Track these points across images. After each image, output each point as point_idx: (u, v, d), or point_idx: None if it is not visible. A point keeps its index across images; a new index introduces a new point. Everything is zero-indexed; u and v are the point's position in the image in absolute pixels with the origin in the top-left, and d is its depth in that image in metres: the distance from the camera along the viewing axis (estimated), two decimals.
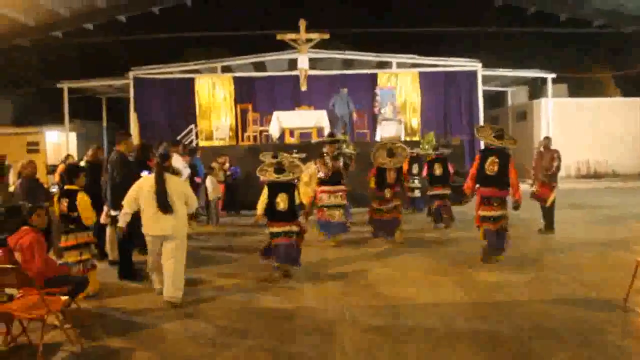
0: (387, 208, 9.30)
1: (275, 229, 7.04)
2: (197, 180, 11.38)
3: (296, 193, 7.18)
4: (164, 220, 5.85)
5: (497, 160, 7.47)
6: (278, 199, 7.03)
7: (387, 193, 9.21)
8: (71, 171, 6.54)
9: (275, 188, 7.09)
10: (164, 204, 5.81)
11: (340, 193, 9.23)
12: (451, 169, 11.42)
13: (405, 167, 12.43)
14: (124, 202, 6.02)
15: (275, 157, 9.72)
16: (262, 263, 7.37)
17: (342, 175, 9.30)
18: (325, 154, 9.35)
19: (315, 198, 9.51)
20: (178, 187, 6.11)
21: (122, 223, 6.08)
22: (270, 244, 7.11)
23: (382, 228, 9.49)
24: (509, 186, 7.53)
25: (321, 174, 9.27)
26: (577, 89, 23.75)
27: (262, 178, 7.34)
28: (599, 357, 4.36)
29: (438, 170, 11.10)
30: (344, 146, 13.52)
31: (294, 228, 7.11)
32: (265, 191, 7.15)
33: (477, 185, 7.71)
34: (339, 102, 17.23)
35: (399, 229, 9.34)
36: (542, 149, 10.29)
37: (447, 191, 11.09)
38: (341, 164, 9.33)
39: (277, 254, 7.00)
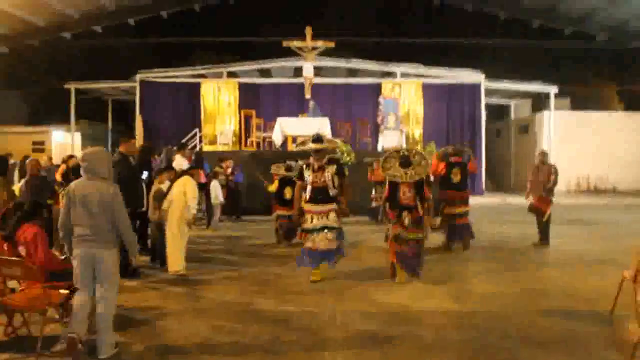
0: (407, 237, 7.10)
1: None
2: (202, 180, 11.48)
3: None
4: None
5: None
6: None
7: (405, 219, 6.99)
8: (75, 169, 6.68)
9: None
10: None
11: (331, 213, 7.08)
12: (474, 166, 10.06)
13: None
14: None
15: (288, 168, 9.86)
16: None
17: (334, 189, 7.06)
18: (306, 165, 7.21)
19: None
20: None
21: None
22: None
23: (403, 262, 7.17)
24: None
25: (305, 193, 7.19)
26: (580, 103, 23.84)
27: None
28: None
29: (455, 177, 9.44)
30: (345, 155, 13.72)
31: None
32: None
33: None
34: (310, 115, 17.04)
35: (420, 268, 7.24)
36: (538, 163, 10.38)
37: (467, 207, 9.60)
38: (330, 175, 7.02)
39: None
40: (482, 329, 5.38)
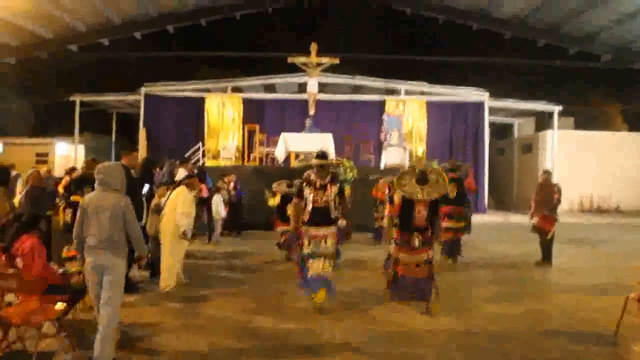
0: (416, 260, 6.54)
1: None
2: (204, 194, 11.46)
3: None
4: None
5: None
6: None
7: (415, 240, 6.45)
8: (79, 182, 6.68)
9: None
10: None
11: (330, 238, 6.52)
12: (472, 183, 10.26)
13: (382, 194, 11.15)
14: None
15: (290, 185, 9.83)
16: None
17: (336, 208, 6.56)
18: (306, 183, 6.59)
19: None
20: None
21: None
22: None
23: (408, 289, 6.64)
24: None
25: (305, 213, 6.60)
26: (584, 123, 23.86)
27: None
28: None
29: (452, 192, 9.24)
30: (348, 171, 13.69)
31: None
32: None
33: None
34: (306, 132, 17.05)
35: (434, 293, 6.55)
36: (542, 182, 10.35)
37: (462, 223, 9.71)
38: (334, 195, 6.49)
39: None
40: (484, 349, 5.31)
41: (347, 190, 11.95)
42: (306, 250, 6.52)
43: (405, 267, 6.55)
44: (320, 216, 6.46)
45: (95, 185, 4.81)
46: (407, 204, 6.50)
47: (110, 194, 4.72)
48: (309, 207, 6.47)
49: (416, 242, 6.40)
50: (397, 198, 6.64)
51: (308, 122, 17.13)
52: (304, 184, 6.56)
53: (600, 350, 5.31)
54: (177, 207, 7.39)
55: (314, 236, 6.48)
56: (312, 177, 6.55)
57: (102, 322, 4.52)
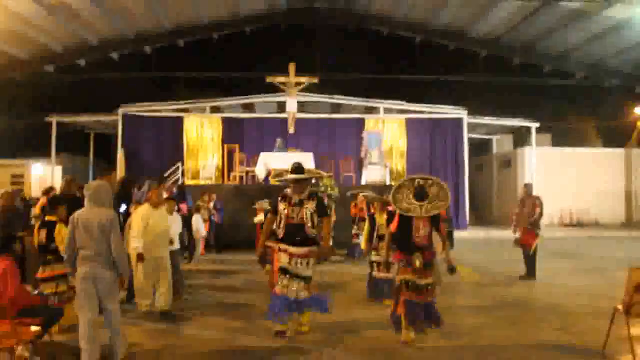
0: (424, 282, 5.84)
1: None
2: (184, 212, 11.29)
3: None
4: None
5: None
6: None
7: (416, 260, 5.76)
8: (53, 202, 6.52)
9: None
10: None
11: (308, 258, 6.01)
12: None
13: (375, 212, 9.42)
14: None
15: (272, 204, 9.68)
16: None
17: (312, 228, 6.02)
18: (282, 198, 6.18)
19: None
20: None
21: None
22: None
23: (419, 316, 5.82)
24: None
25: (279, 230, 6.11)
26: (561, 138, 24.26)
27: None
28: None
29: None
30: (329, 189, 13.58)
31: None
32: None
33: None
34: (276, 152, 17.12)
35: (439, 319, 5.92)
36: (523, 195, 10.40)
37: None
38: (310, 212, 6.00)
39: None
40: None
41: (332, 210, 11.87)
42: (282, 263, 6.00)
43: (413, 291, 5.81)
44: (296, 233, 5.95)
45: (85, 201, 5.15)
46: (405, 221, 5.90)
47: (99, 210, 5.05)
48: (282, 222, 6.03)
49: (417, 262, 5.74)
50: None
51: (278, 141, 17.18)
52: (279, 199, 6.19)
53: None
54: (131, 229, 7.13)
55: (290, 254, 5.96)
56: (289, 192, 6.18)
57: (111, 323, 5.11)
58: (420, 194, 5.84)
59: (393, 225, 6.07)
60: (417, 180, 5.99)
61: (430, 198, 5.84)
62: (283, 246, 6.01)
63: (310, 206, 6.01)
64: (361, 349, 5.70)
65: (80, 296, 4.97)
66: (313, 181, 10.05)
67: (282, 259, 6.00)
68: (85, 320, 4.90)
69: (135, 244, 6.88)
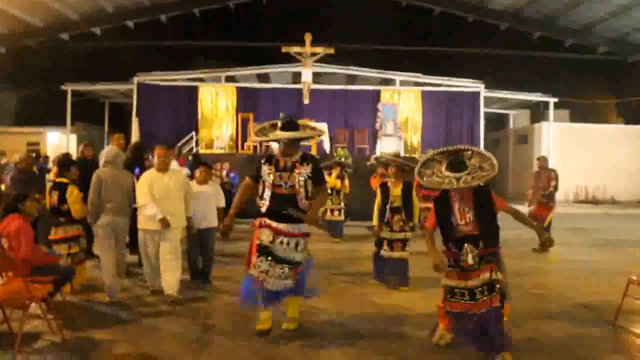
0: (472, 286, 4.33)
1: None
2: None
3: None
4: None
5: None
6: None
7: (469, 255, 4.30)
8: (63, 163, 6.53)
9: None
10: None
11: (298, 239, 4.83)
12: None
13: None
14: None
15: None
16: None
17: (306, 200, 4.80)
18: (265, 160, 4.95)
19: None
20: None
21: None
22: None
23: (470, 333, 4.38)
24: None
25: (262, 202, 4.87)
26: (579, 115, 23.83)
27: None
28: None
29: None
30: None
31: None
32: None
33: None
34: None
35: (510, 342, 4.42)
36: (538, 168, 10.26)
37: None
38: (304, 179, 4.78)
39: None
40: None
41: (347, 182, 11.67)
42: (262, 241, 4.74)
43: (459, 301, 4.37)
44: (285, 206, 4.71)
45: (105, 164, 6.11)
46: (442, 205, 4.53)
47: (121, 172, 6.21)
48: (267, 192, 4.81)
49: (469, 259, 4.28)
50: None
51: (281, 115, 16.95)
52: (263, 162, 4.92)
53: (601, 333, 5.23)
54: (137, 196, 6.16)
55: (276, 231, 4.75)
56: (276, 153, 4.97)
57: (120, 262, 6.11)
58: (456, 164, 4.41)
59: (430, 220, 4.68)
60: (448, 149, 4.58)
61: (469, 169, 4.40)
62: (267, 221, 4.80)
63: (304, 170, 4.80)
64: (371, 314, 5.67)
65: (103, 240, 5.91)
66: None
67: (263, 236, 4.75)
68: (108, 260, 5.87)
69: (150, 211, 5.85)
